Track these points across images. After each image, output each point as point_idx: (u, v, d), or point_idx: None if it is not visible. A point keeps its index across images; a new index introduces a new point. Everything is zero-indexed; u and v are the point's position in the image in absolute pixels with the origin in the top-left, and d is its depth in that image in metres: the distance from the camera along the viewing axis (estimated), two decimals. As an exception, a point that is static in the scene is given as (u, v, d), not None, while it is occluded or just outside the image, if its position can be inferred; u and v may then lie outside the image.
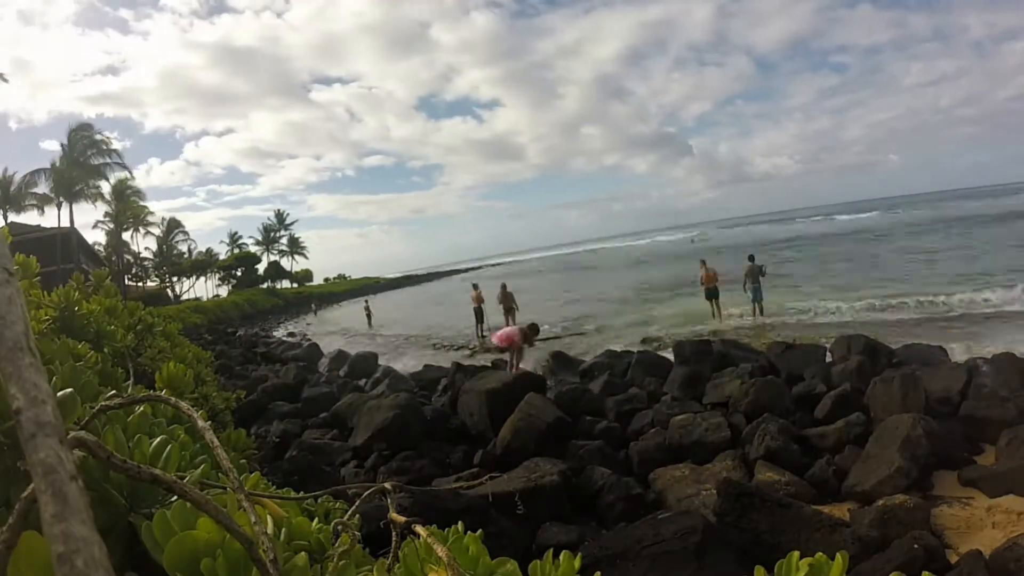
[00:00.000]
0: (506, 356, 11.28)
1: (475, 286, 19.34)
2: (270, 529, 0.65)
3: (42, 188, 38.22)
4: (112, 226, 48.21)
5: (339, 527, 0.96)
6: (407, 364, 15.45)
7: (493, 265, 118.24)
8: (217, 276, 65.82)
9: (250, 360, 18.47)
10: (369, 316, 29.05)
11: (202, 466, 0.85)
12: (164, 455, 0.78)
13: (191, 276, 62.36)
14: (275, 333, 30.57)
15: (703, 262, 17.16)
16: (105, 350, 1.94)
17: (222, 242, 75.44)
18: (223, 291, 64.22)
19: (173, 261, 60.90)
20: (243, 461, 1.78)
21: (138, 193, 48.61)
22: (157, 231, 58.06)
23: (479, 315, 18.46)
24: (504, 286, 17.67)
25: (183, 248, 63.79)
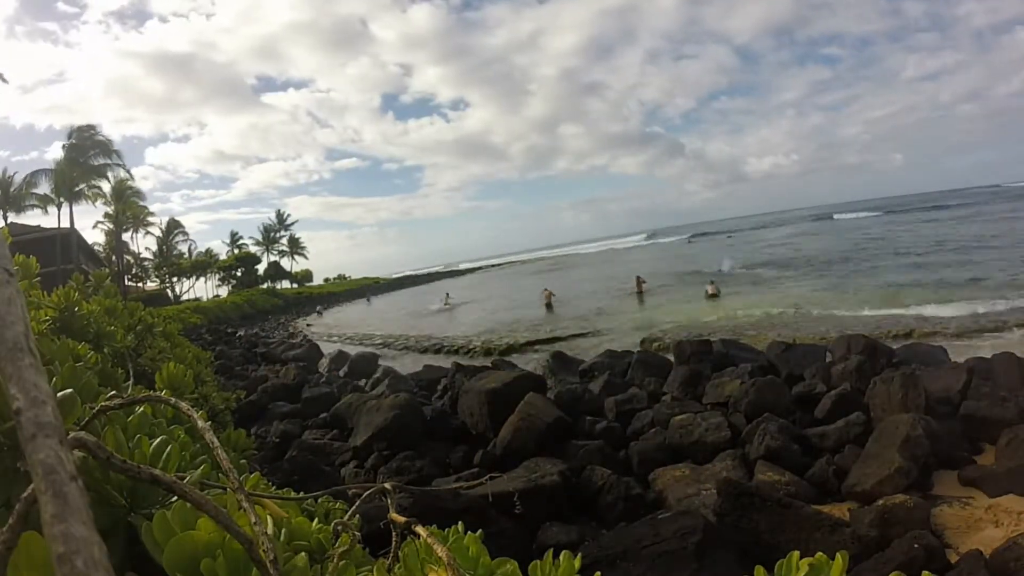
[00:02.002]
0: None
1: (547, 288, 27.55)
2: (270, 529, 0.65)
3: (43, 188, 38.22)
4: (112, 226, 48.18)
5: (339, 527, 0.96)
6: (408, 364, 15.48)
7: (494, 266, 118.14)
8: (217, 276, 65.82)
9: (250, 360, 18.47)
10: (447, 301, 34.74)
11: (202, 466, 0.84)
12: (164, 455, 0.78)
13: (191, 276, 62.33)
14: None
15: (638, 277, 26.68)
16: (105, 350, 1.94)
17: (223, 242, 75.34)
18: (223, 291, 64.20)
19: (173, 261, 60.84)
20: (243, 461, 1.78)
21: (138, 194, 48.52)
22: (157, 231, 58.10)
23: (550, 307, 25.65)
24: (639, 277, 26.95)
25: (183, 248, 63.83)
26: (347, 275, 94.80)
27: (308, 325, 34.77)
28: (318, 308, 47.74)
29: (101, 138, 40.12)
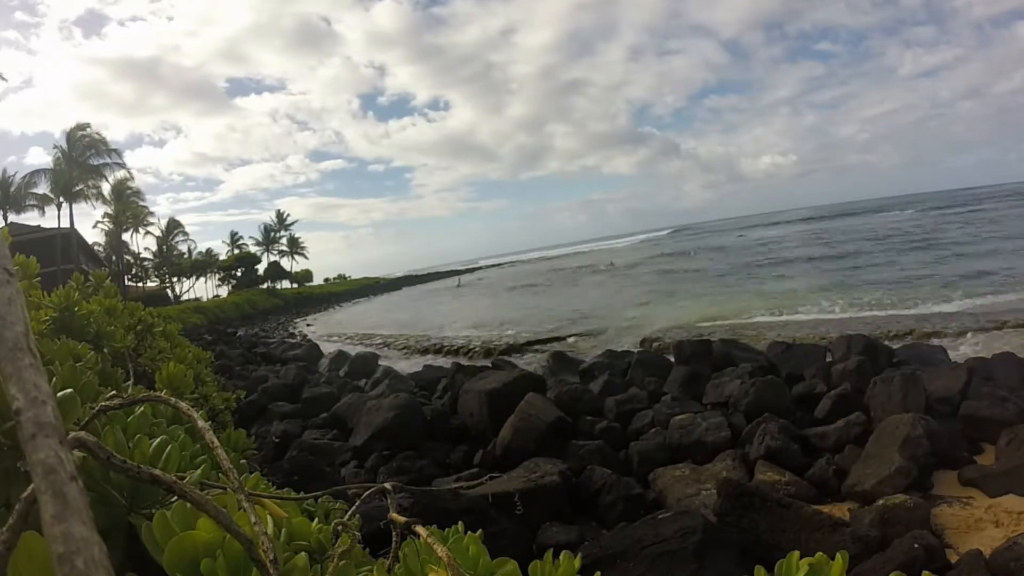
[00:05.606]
0: None
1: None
2: (270, 529, 0.65)
3: (42, 188, 38.22)
4: (112, 226, 48.18)
5: (339, 527, 0.96)
6: (408, 364, 15.50)
7: (493, 266, 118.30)
8: (217, 276, 65.77)
9: (250, 360, 18.46)
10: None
11: (202, 466, 0.84)
12: (164, 455, 0.78)
13: (191, 276, 62.30)
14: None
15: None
16: (105, 350, 1.94)
17: (224, 242, 75.18)
18: (223, 291, 64.15)
19: (173, 261, 60.77)
20: (243, 461, 1.77)
21: (138, 193, 48.52)
22: (157, 231, 58.05)
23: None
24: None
25: (183, 248, 63.76)
26: (346, 275, 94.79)
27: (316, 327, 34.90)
28: (458, 281, 49.26)
29: (98, 137, 40.13)
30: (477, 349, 16.92)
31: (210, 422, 1.78)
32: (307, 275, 76.07)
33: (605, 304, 24.05)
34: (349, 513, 1.16)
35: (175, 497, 0.62)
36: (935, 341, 10.56)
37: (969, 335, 11.47)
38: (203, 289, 66.65)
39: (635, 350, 12.19)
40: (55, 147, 38.77)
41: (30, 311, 1.78)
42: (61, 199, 38.10)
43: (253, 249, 69.99)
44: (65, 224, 38.02)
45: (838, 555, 0.71)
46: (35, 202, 38.36)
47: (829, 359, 8.83)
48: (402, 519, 0.92)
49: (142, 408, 0.93)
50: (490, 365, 11.43)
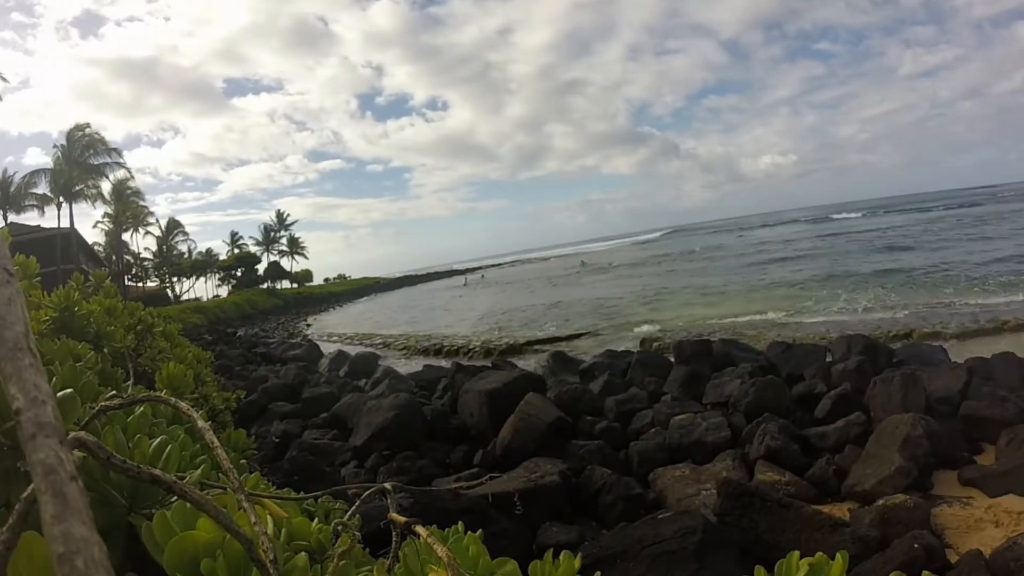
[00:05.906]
0: None
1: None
2: (270, 529, 0.65)
3: (42, 188, 38.23)
4: (112, 226, 48.19)
5: (339, 527, 0.96)
6: (408, 364, 15.50)
7: (493, 266, 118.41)
8: (217, 276, 65.75)
9: (250, 360, 18.46)
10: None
11: (202, 466, 0.84)
12: (164, 455, 0.78)
13: (191, 276, 62.30)
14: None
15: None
16: (105, 350, 1.94)
17: (224, 242, 75.11)
18: (223, 291, 64.15)
19: (173, 261, 60.76)
20: (243, 461, 1.77)
21: (138, 193, 48.54)
22: (157, 231, 58.04)
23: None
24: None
25: (183, 248, 63.73)
26: (346, 275, 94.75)
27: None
28: (465, 280, 52.95)
29: (97, 137, 40.12)
30: (477, 349, 16.90)
31: (210, 422, 1.78)
32: (307, 275, 76.01)
33: (605, 304, 24.03)
34: (349, 513, 1.16)
35: (175, 497, 0.62)
36: (935, 341, 10.56)
37: (969, 335, 11.47)
38: (203, 289, 66.67)
39: (635, 350, 12.20)
40: (55, 147, 38.79)
41: (30, 311, 1.77)
42: (61, 199, 38.10)
43: (253, 249, 69.95)
44: (65, 224, 38.04)
45: (838, 555, 0.71)
46: (35, 202, 38.37)
47: (829, 359, 8.83)
48: (402, 519, 0.92)
49: (142, 408, 0.93)
50: (490, 365, 11.42)
